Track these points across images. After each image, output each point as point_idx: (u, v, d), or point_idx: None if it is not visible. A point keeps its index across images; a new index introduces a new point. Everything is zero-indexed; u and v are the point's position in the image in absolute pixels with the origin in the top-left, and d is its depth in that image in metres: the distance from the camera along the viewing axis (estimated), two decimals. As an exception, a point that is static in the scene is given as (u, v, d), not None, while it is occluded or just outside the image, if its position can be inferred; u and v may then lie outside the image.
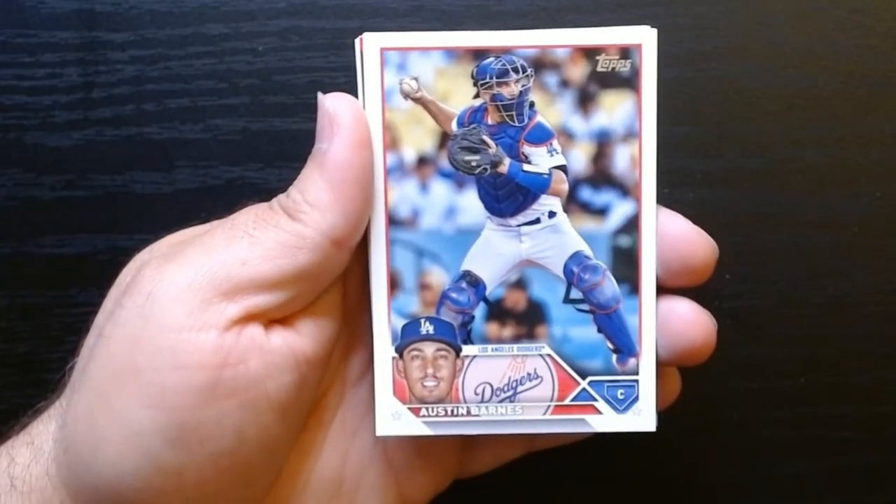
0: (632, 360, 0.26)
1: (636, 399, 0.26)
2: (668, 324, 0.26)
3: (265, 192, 0.32)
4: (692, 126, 0.33)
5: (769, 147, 0.33)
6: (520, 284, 0.26)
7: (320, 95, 0.25)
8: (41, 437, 0.24)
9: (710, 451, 0.34)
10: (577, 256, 0.26)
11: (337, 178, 0.24)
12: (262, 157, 0.33)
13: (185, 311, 0.23)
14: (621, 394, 0.26)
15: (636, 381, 0.26)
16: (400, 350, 0.26)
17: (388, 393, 0.26)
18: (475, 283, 0.26)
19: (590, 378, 0.26)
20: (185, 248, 0.24)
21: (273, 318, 0.24)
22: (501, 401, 0.26)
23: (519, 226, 0.26)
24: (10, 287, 0.33)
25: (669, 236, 0.26)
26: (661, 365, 0.27)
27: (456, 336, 0.26)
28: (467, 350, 0.26)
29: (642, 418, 0.26)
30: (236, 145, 0.33)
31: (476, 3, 0.32)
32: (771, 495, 0.34)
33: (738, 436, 0.34)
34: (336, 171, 0.24)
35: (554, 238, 0.26)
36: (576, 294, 0.26)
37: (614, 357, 0.26)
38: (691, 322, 0.26)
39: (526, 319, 0.26)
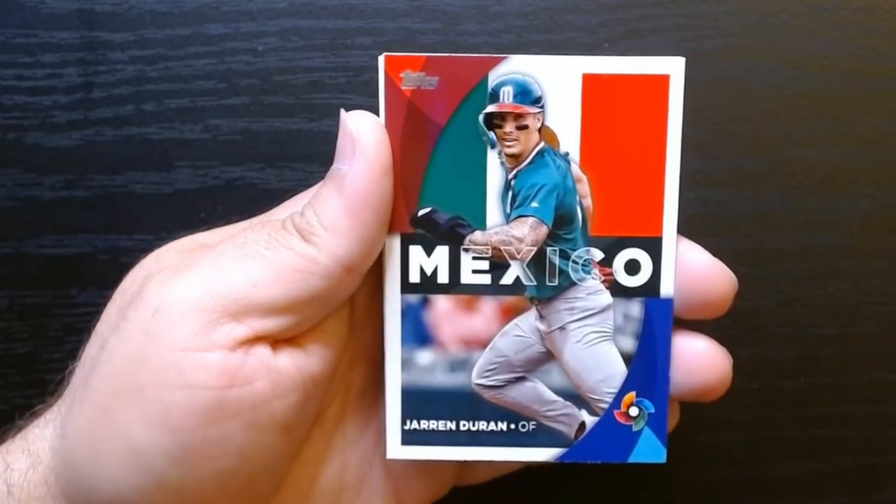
0: None
1: None
2: (684, 362, 0.26)
3: (265, 192, 0.32)
4: (692, 126, 0.32)
5: (769, 147, 0.33)
6: None
7: (343, 113, 0.24)
8: (38, 443, 0.24)
9: (710, 452, 0.34)
10: None
11: (355, 204, 0.23)
12: (262, 157, 0.33)
13: (192, 330, 0.22)
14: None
15: None
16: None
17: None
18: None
19: None
20: (193, 262, 0.24)
21: (281, 339, 0.24)
22: None
23: None
24: (10, 287, 0.33)
25: (689, 269, 0.26)
26: (673, 400, 0.27)
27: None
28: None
29: None
30: (236, 145, 0.33)
31: (476, 3, 0.32)
32: (771, 495, 0.34)
33: (738, 436, 0.34)
34: (355, 196, 0.24)
35: None
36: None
37: None
38: (709, 362, 0.26)
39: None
